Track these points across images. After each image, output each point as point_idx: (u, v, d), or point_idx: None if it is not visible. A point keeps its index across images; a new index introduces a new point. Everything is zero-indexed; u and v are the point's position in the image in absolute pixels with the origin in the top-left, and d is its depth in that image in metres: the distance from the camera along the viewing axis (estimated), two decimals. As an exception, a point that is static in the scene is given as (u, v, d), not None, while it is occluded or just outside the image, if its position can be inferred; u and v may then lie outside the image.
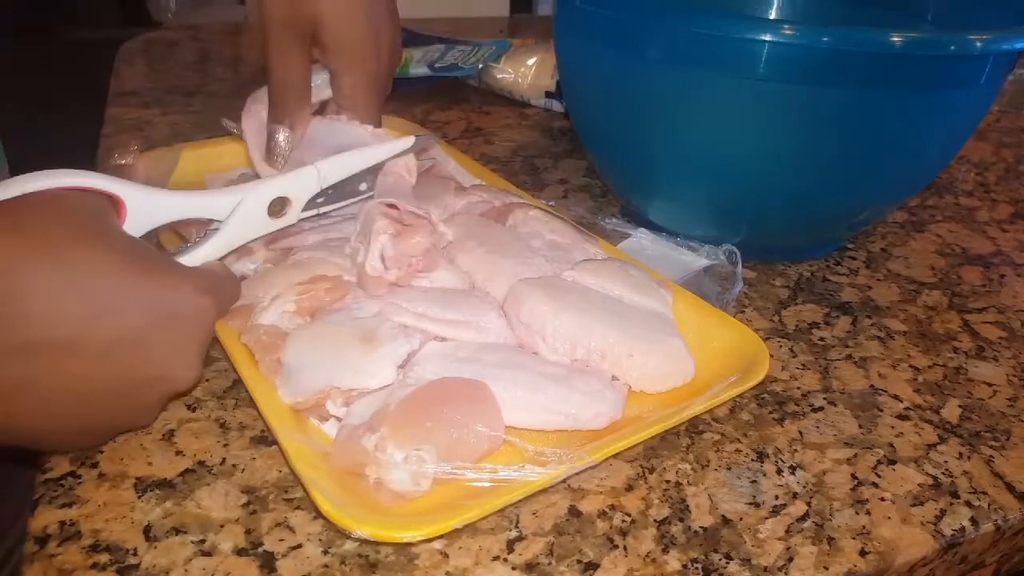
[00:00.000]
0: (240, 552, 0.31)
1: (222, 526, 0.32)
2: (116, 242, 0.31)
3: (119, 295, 0.30)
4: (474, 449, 0.33)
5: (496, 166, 0.60)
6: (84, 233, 0.30)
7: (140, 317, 0.30)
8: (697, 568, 0.32)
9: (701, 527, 0.34)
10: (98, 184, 0.33)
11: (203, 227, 0.39)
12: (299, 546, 0.31)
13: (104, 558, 0.30)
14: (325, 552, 0.31)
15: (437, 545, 0.32)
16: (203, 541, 0.31)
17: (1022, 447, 0.40)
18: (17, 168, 0.65)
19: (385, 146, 0.44)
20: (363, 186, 0.44)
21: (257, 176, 0.49)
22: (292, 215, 0.41)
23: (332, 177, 0.42)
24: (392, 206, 0.41)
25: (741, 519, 0.34)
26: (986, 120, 0.86)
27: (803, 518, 0.34)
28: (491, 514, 0.32)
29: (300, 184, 0.41)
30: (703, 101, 0.46)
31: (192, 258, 0.37)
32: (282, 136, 0.47)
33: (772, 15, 0.65)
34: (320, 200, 0.42)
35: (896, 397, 0.43)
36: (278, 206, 0.40)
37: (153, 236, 0.37)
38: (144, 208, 0.35)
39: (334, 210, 0.44)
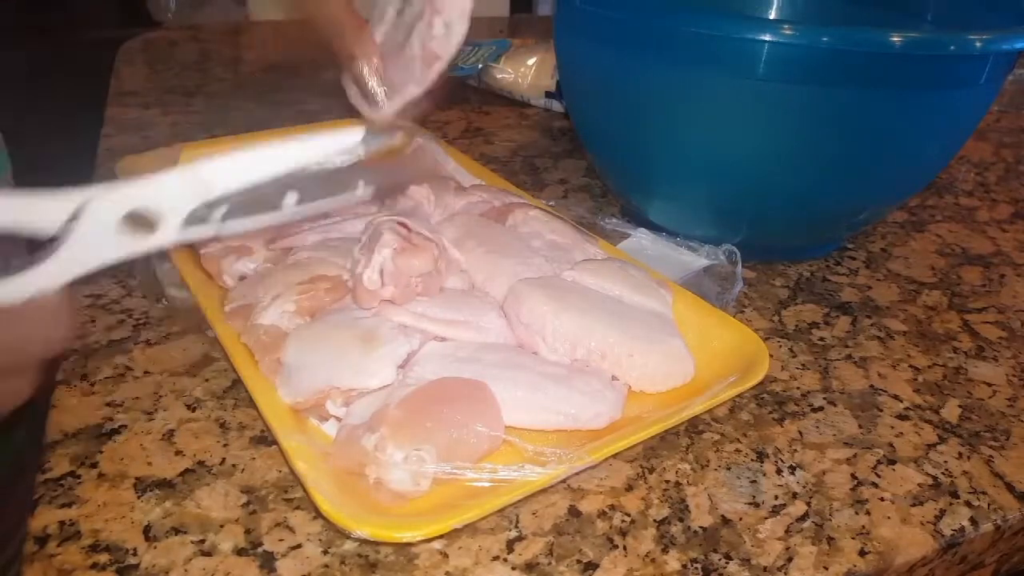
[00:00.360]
0: (240, 552, 0.31)
1: (222, 526, 0.32)
2: None
3: None
4: (474, 449, 0.33)
5: (496, 166, 0.60)
6: None
7: None
8: (697, 568, 0.32)
9: (701, 527, 0.34)
10: None
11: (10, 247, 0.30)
12: (299, 546, 0.31)
13: (104, 558, 0.30)
14: (325, 552, 0.31)
15: (437, 545, 0.32)
16: (203, 541, 0.31)
17: (1022, 447, 0.40)
18: (19, 169, 0.65)
19: (315, 140, 0.31)
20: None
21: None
22: (166, 233, 0.29)
23: (224, 185, 0.30)
24: (403, 224, 0.40)
25: (741, 519, 0.34)
26: (986, 120, 0.86)
27: (803, 518, 0.34)
28: (491, 514, 0.32)
29: (167, 194, 0.29)
30: (703, 101, 0.46)
31: (15, 286, 0.28)
32: (364, 70, 0.42)
33: (772, 15, 0.65)
34: (223, 212, 0.30)
35: (896, 397, 0.42)
36: (140, 221, 0.29)
37: None
38: None
39: (254, 225, 0.31)
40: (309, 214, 0.32)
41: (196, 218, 0.30)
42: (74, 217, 0.28)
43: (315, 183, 0.31)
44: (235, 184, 0.30)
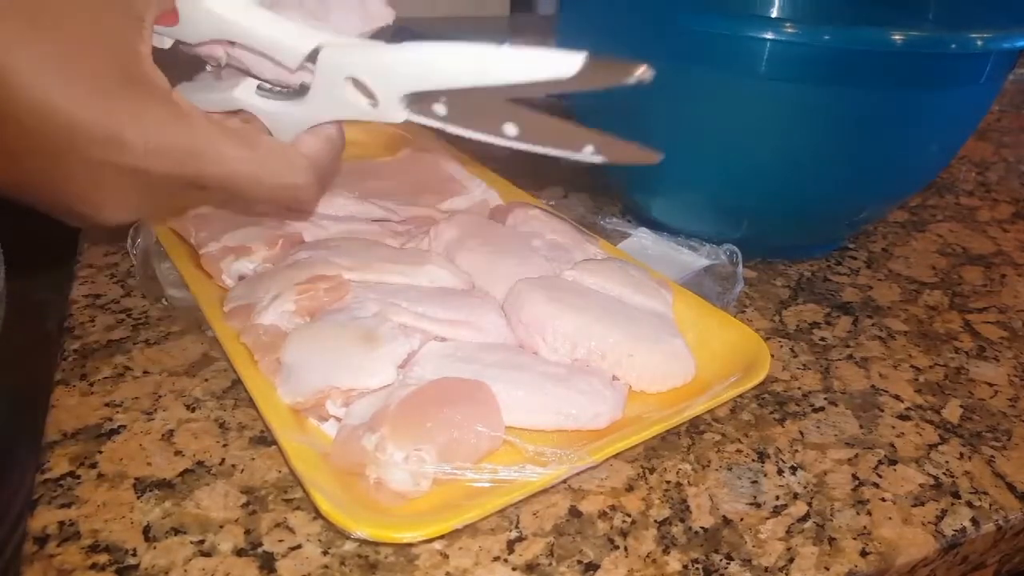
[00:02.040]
0: (239, 552, 0.31)
1: (221, 526, 0.32)
2: None
3: None
4: (474, 449, 0.33)
5: (496, 166, 0.59)
6: None
7: None
8: (698, 569, 0.32)
9: (702, 527, 0.33)
10: None
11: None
12: (299, 546, 0.31)
13: (103, 558, 0.30)
14: (325, 552, 0.31)
15: (437, 545, 0.32)
16: (202, 541, 0.31)
17: (1023, 447, 0.39)
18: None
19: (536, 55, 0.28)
20: (509, 128, 0.29)
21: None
22: (388, 109, 0.28)
23: (436, 78, 0.27)
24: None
25: (742, 519, 0.34)
26: (986, 120, 0.86)
27: (804, 518, 0.34)
28: (491, 514, 0.32)
29: (380, 69, 0.27)
30: (705, 99, 0.46)
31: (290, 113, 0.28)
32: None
33: (773, 14, 0.65)
34: (444, 110, 0.28)
35: (897, 397, 0.42)
36: (363, 89, 0.28)
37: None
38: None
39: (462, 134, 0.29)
40: (530, 149, 0.30)
41: (416, 103, 0.28)
42: (311, 59, 0.28)
43: (540, 125, 0.30)
44: (446, 79, 0.27)
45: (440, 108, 0.28)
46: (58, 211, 0.27)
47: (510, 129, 0.29)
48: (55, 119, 0.23)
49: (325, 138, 0.29)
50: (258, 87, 0.30)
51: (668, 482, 0.36)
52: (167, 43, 0.31)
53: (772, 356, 0.40)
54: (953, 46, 0.41)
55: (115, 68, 0.24)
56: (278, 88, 0.30)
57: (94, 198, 0.26)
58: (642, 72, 0.27)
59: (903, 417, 0.41)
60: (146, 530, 0.31)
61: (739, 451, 0.38)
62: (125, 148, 0.24)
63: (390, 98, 0.28)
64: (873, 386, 0.43)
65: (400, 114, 0.28)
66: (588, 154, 0.30)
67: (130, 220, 0.28)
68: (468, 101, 0.28)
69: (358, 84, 0.28)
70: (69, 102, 0.23)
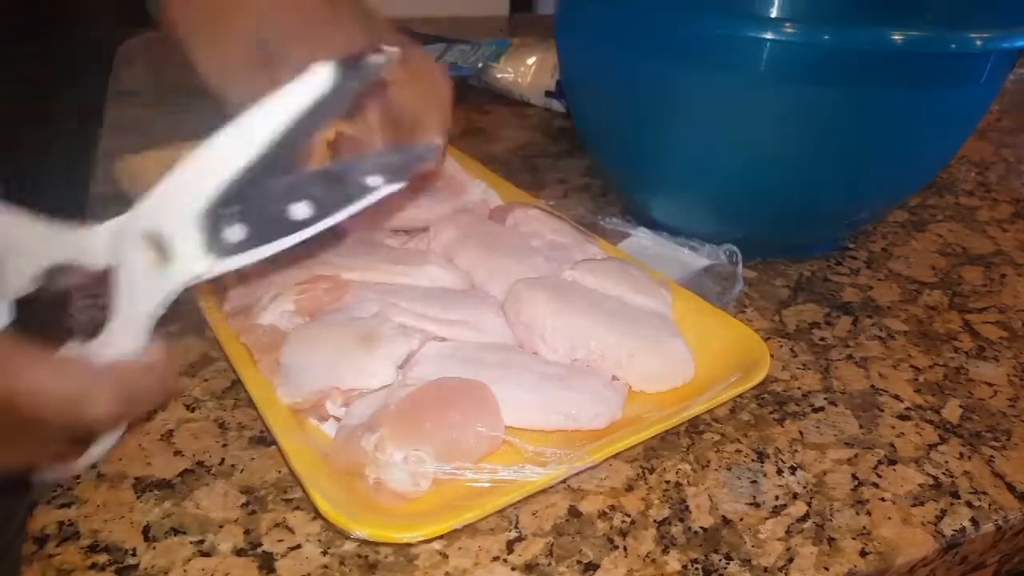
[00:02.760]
0: (239, 552, 0.31)
1: (221, 526, 0.32)
2: None
3: None
4: (473, 449, 0.33)
5: (496, 166, 0.59)
6: None
7: None
8: (697, 568, 0.32)
9: (701, 527, 0.33)
10: None
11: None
12: (298, 546, 0.31)
13: (103, 558, 0.30)
14: (324, 552, 0.31)
15: (436, 545, 0.32)
16: (202, 541, 0.31)
17: (1022, 447, 0.39)
18: (19, 169, 0.65)
19: (282, 98, 0.26)
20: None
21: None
22: (189, 261, 0.26)
23: (212, 179, 0.26)
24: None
25: (741, 519, 0.34)
26: (986, 120, 0.86)
27: (803, 518, 0.34)
28: (491, 514, 0.32)
29: (165, 206, 0.26)
30: (705, 99, 0.46)
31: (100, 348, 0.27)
32: None
33: (773, 14, 0.65)
34: (237, 236, 0.26)
35: (897, 397, 0.42)
36: (162, 252, 0.26)
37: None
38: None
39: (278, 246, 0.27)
40: (331, 224, 0.27)
41: (213, 243, 0.26)
42: (111, 254, 0.27)
43: (323, 186, 0.27)
44: (222, 174, 0.26)
45: (231, 234, 0.26)
46: None
47: (301, 210, 0.27)
48: None
49: (142, 359, 0.28)
50: (75, 331, 0.28)
51: (667, 482, 0.36)
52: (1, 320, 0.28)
53: (772, 356, 0.39)
54: (953, 46, 0.41)
55: None
56: (89, 322, 0.28)
57: None
58: (386, 55, 0.26)
59: (903, 417, 0.41)
60: (146, 530, 0.31)
61: (739, 451, 0.38)
62: None
63: (186, 235, 0.26)
64: (873, 386, 0.43)
65: (198, 261, 0.26)
66: (381, 183, 0.27)
67: None
68: (255, 202, 0.26)
69: (153, 240, 0.26)
70: None
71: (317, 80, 0.26)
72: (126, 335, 0.27)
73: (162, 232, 0.26)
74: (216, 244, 0.26)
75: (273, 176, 0.26)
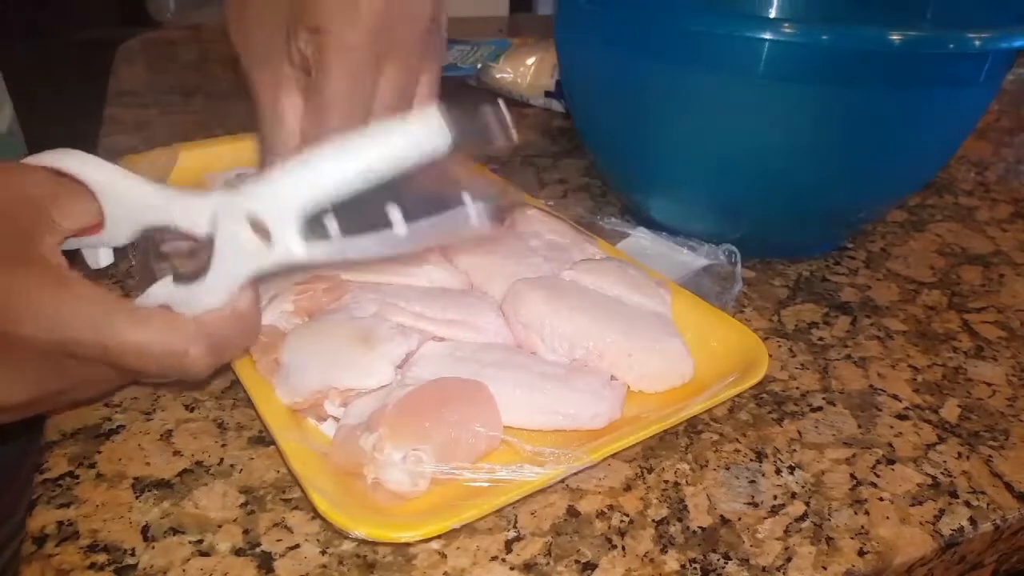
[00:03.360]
0: (238, 552, 0.31)
1: (220, 526, 0.32)
2: None
3: None
4: (472, 449, 0.33)
5: (496, 166, 0.59)
6: None
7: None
8: (695, 568, 0.32)
9: (699, 527, 0.34)
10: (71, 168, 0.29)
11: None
12: (297, 546, 0.31)
13: (102, 558, 0.30)
14: (323, 552, 0.31)
15: (435, 545, 0.32)
16: (201, 541, 0.31)
17: (1021, 447, 0.39)
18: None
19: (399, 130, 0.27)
20: (394, 214, 0.27)
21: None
22: (288, 246, 0.27)
23: (323, 183, 0.27)
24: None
25: (740, 519, 0.34)
26: (986, 120, 0.86)
27: (802, 518, 0.34)
28: (489, 514, 0.32)
29: (272, 195, 0.27)
30: (704, 99, 0.46)
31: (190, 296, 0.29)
32: None
33: (772, 14, 0.65)
34: (335, 226, 0.27)
35: (895, 397, 0.42)
36: (261, 231, 0.28)
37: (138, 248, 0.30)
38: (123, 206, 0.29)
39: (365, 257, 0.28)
40: (426, 234, 0.28)
41: (313, 230, 0.27)
42: (212, 223, 0.28)
43: (414, 197, 0.28)
44: (332, 181, 0.27)
45: (332, 225, 0.27)
46: None
47: (395, 214, 0.27)
48: None
49: (230, 310, 0.29)
50: (174, 277, 0.29)
51: (666, 482, 0.36)
52: (103, 261, 0.31)
53: (770, 356, 0.40)
54: (952, 46, 0.41)
55: (12, 248, 0.27)
56: (190, 272, 0.29)
57: None
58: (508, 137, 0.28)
59: (901, 417, 0.41)
60: (145, 530, 0.31)
61: (737, 451, 0.38)
62: (8, 318, 0.26)
63: (286, 227, 0.27)
64: (871, 386, 0.43)
65: (298, 247, 0.27)
66: (472, 207, 0.28)
67: (21, 400, 0.28)
68: (352, 207, 0.27)
69: (255, 223, 0.28)
70: None
71: (439, 134, 0.28)
72: (217, 292, 0.29)
73: (265, 220, 0.27)
74: (314, 233, 0.28)
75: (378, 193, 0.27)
